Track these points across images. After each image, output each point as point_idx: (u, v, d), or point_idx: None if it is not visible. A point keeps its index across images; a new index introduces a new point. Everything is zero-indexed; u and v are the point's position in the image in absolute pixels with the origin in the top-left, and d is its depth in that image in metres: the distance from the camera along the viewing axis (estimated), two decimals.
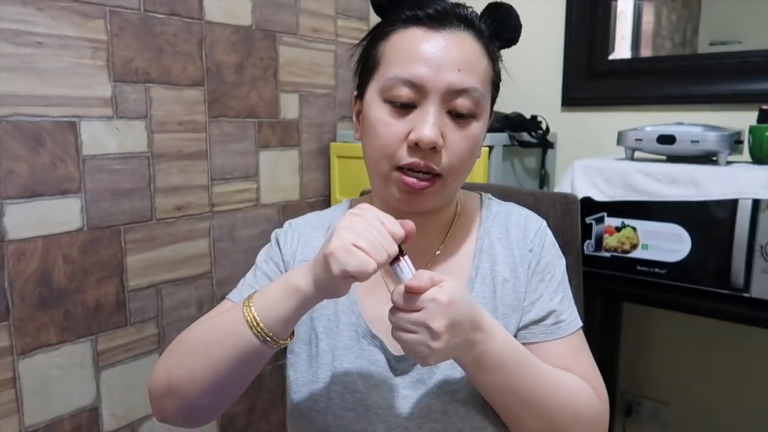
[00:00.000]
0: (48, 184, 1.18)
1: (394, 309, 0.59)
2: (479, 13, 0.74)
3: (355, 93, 0.78)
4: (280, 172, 1.65)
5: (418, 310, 0.58)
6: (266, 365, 0.80)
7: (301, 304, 0.62)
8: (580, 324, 0.77)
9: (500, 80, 0.77)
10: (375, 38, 0.74)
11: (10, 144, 1.12)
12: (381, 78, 0.71)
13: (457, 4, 0.72)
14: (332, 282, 0.59)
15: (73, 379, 1.25)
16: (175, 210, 1.41)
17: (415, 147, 0.68)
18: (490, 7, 0.75)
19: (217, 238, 1.51)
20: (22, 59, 1.12)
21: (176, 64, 1.37)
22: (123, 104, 1.28)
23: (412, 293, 0.58)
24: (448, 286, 0.59)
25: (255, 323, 0.62)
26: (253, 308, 0.63)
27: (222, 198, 1.51)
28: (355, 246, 0.57)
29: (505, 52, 0.79)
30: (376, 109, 0.71)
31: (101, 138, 1.25)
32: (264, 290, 0.65)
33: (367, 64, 0.74)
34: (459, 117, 0.70)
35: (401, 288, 0.59)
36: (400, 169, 0.70)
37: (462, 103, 0.69)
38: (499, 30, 0.75)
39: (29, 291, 1.17)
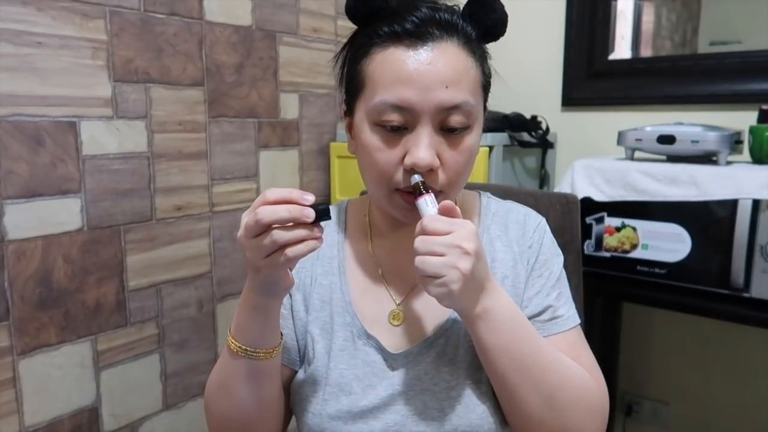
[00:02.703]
0: (48, 184, 1.18)
1: (422, 236, 0.61)
2: (461, 11, 0.71)
3: (344, 108, 0.76)
4: (280, 172, 1.65)
5: (447, 234, 0.60)
6: None
7: (263, 312, 0.66)
8: (578, 321, 0.76)
9: (491, 77, 0.75)
10: (357, 54, 0.71)
11: (10, 144, 1.12)
12: (368, 100, 0.68)
13: (436, 8, 0.68)
14: (258, 277, 0.62)
15: (73, 379, 1.25)
16: (175, 210, 1.41)
17: (411, 171, 0.67)
18: (471, 3, 0.71)
19: (217, 238, 1.51)
20: (22, 59, 1.12)
21: (176, 64, 1.37)
22: (123, 104, 1.28)
23: (447, 215, 0.62)
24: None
25: (244, 350, 0.67)
26: (235, 339, 0.68)
27: (222, 198, 1.51)
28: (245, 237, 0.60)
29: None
30: (367, 134, 0.69)
31: (101, 138, 1.25)
32: (235, 316, 0.69)
33: (352, 83, 0.72)
34: (452, 131, 0.68)
35: (433, 213, 0.63)
36: (399, 191, 0.69)
37: (454, 119, 0.67)
38: (485, 28, 0.71)
39: (29, 291, 1.17)
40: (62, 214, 1.20)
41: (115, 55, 1.26)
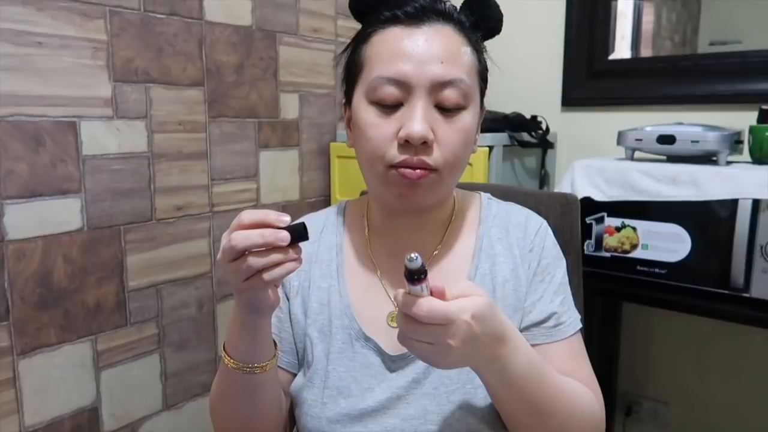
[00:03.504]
0: (48, 184, 1.18)
1: (407, 318, 0.55)
2: (459, 6, 0.74)
3: (344, 101, 0.77)
4: (280, 172, 1.65)
5: (436, 324, 0.54)
6: None
7: (252, 329, 0.66)
8: (580, 326, 0.77)
9: (488, 72, 0.76)
10: (357, 42, 0.74)
11: (10, 144, 1.12)
12: (366, 80, 0.70)
13: (435, 0, 0.71)
14: (242, 298, 0.63)
15: (73, 379, 1.25)
16: (175, 210, 1.41)
17: (406, 144, 0.67)
18: (468, 0, 0.75)
19: (217, 238, 1.50)
20: (22, 59, 1.12)
21: (176, 64, 1.37)
22: (123, 104, 1.28)
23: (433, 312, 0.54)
24: (474, 301, 0.56)
25: (238, 366, 0.68)
26: (228, 355, 0.69)
27: (222, 198, 1.51)
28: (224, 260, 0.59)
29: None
30: (363, 112, 0.70)
31: (101, 138, 1.25)
32: (227, 332, 0.70)
33: (351, 70, 0.74)
34: (447, 110, 0.69)
35: (426, 303, 0.54)
36: (394, 167, 0.69)
37: (449, 95, 0.68)
38: (480, 20, 0.74)
39: (29, 291, 1.17)
40: (62, 214, 1.20)
41: (115, 55, 1.26)
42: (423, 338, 0.55)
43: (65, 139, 1.19)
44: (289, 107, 1.65)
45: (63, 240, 1.21)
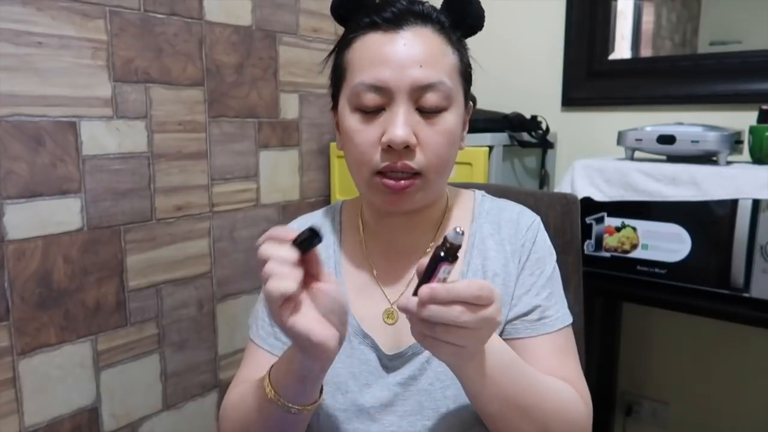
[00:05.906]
0: (48, 184, 1.18)
1: (456, 305, 0.51)
2: (439, 6, 0.74)
3: (331, 104, 0.78)
4: (280, 172, 1.65)
5: (485, 306, 0.52)
6: None
7: (299, 368, 0.61)
8: (569, 321, 0.76)
9: (471, 70, 0.76)
10: (340, 48, 0.75)
11: (10, 144, 1.12)
12: (348, 86, 0.71)
13: (413, 1, 0.72)
14: (286, 333, 0.58)
15: (73, 379, 1.25)
16: (175, 210, 1.41)
17: (389, 149, 0.68)
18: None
19: (217, 238, 1.51)
20: (22, 59, 1.12)
21: (176, 64, 1.37)
22: (123, 104, 1.28)
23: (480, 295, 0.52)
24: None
25: (276, 399, 0.62)
26: (272, 387, 0.63)
27: (222, 198, 1.51)
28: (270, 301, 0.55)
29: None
30: (347, 118, 0.71)
31: (101, 138, 1.25)
32: (276, 367, 0.65)
33: (336, 75, 0.75)
34: (430, 113, 0.69)
35: (481, 283, 0.52)
36: (380, 173, 0.69)
37: (430, 99, 0.68)
38: (460, 19, 0.74)
39: (29, 291, 1.17)
40: (62, 214, 1.20)
41: (115, 55, 1.26)
42: (474, 323, 0.52)
43: (65, 139, 1.19)
44: (289, 107, 1.65)
45: (63, 240, 1.21)
